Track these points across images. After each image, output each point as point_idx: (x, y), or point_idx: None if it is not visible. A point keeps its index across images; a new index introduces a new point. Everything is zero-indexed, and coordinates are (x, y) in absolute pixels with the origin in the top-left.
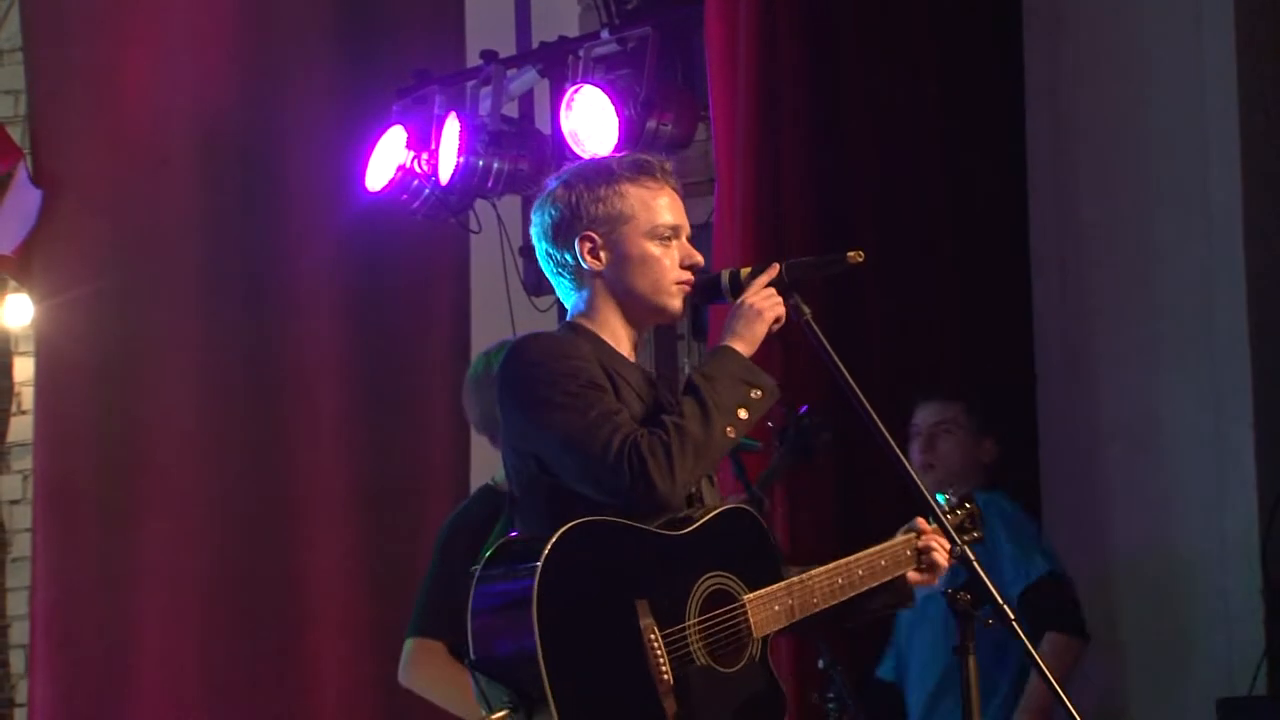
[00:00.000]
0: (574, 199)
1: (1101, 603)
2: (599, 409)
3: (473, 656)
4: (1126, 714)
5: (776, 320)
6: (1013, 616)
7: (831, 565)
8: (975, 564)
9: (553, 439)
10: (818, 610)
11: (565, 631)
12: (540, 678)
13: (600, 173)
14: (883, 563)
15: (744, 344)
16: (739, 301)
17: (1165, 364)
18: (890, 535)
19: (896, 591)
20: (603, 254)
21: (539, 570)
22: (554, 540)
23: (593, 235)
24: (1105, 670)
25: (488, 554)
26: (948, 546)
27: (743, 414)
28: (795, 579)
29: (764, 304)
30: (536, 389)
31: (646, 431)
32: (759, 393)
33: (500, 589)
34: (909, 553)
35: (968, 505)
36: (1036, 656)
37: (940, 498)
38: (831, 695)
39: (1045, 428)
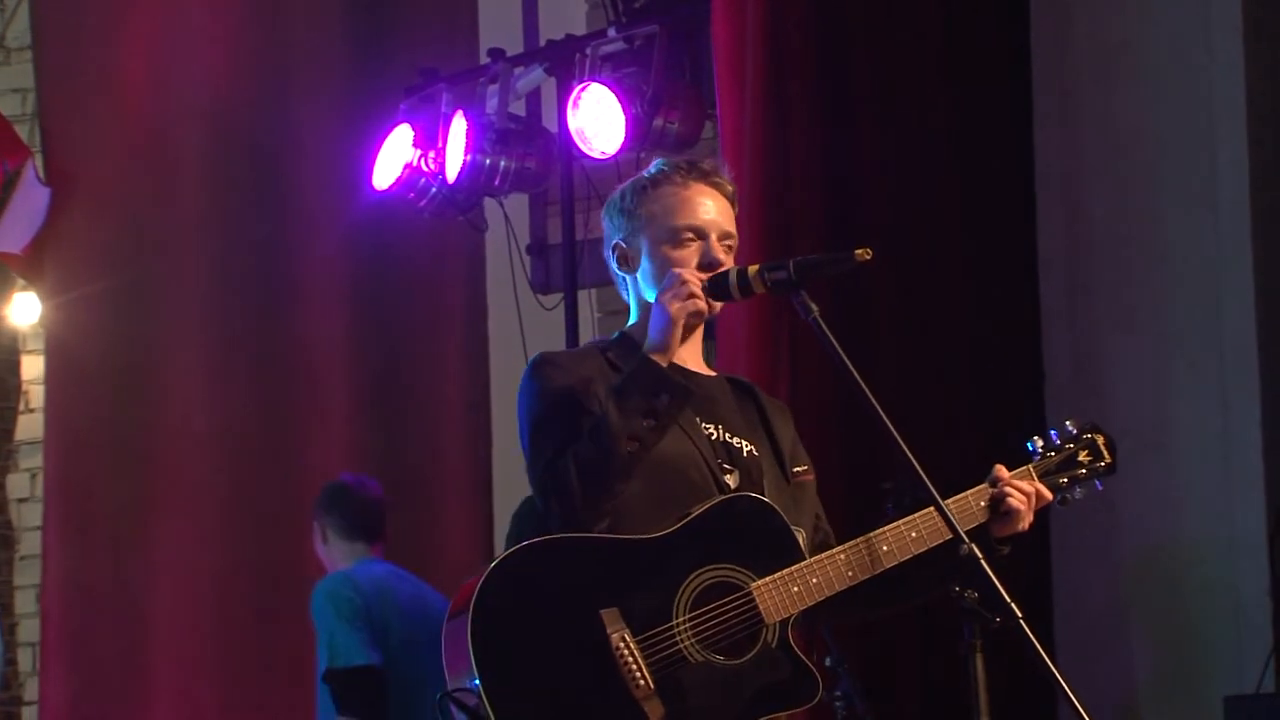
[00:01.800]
0: (611, 211)
1: (1111, 601)
2: (541, 438)
3: (445, 690)
4: (1136, 712)
5: (696, 314)
6: (1020, 615)
7: (875, 533)
8: (982, 561)
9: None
10: (859, 581)
11: (516, 666)
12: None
13: (633, 183)
14: (938, 524)
15: (657, 349)
16: (654, 302)
17: (1174, 363)
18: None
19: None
20: (630, 261)
21: (471, 608)
22: (486, 575)
23: (620, 244)
24: (1115, 668)
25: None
26: (1028, 491)
27: (647, 424)
28: (819, 556)
29: (672, 307)
30: (520, 415)
31: (554, 465)
32: (665, 399)
33: (448, 634)
34: (981, 504)
35: (1086, 435)
36: (1046, 657)
37: (1052, 431)
38: (839, 693)
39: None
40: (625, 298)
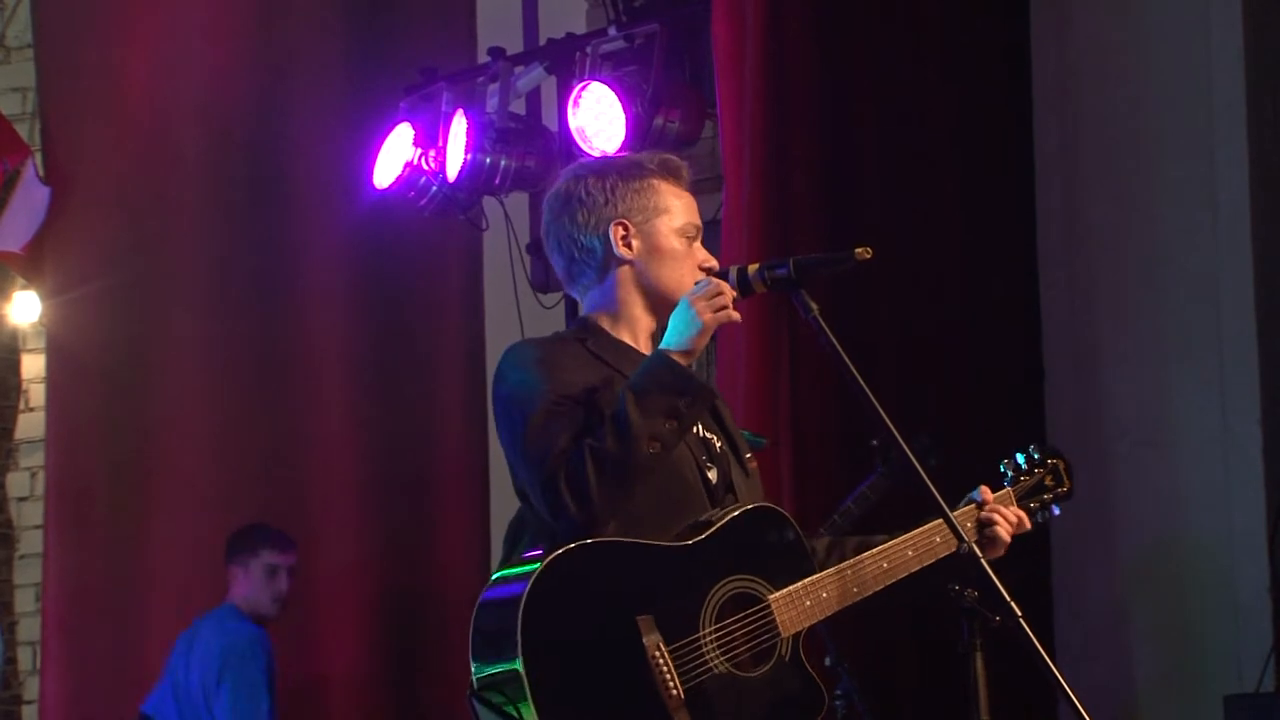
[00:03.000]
0: (609, 186)
1: (1110, 599)
2: (540, 429)
3: (473, 687)
4: (1135, 711)
5: (725, 322)
6: (1019, 614)
7: (876, 550)
8: (983, 561)
9: (514, 462)
10: (859, 599)
11: (558, 664)
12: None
13: (633, 165)
14: (937, 539)
15: (682, 350)
16: (682, 300)
17: (1173, 361)
18: (900, 526)
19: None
20: (634, 243)
21: (522, 606)
22: (538, 572)
23: (626, 223)
24: (1115, 667)
25: (489, 583)
26: (1012, 519)
27: (669, 426)
28: (830, 571)
29: (706, 316)
30: (503, 409)
31: (568, 459)
32: (689, 400)
33: (491, 624)
34: (969, 525)
35: (1050, 461)
36: (1046, 656)
37: (1019, 456)
38: (840, 693)
39: (1053, 425)
40: (593, 279)
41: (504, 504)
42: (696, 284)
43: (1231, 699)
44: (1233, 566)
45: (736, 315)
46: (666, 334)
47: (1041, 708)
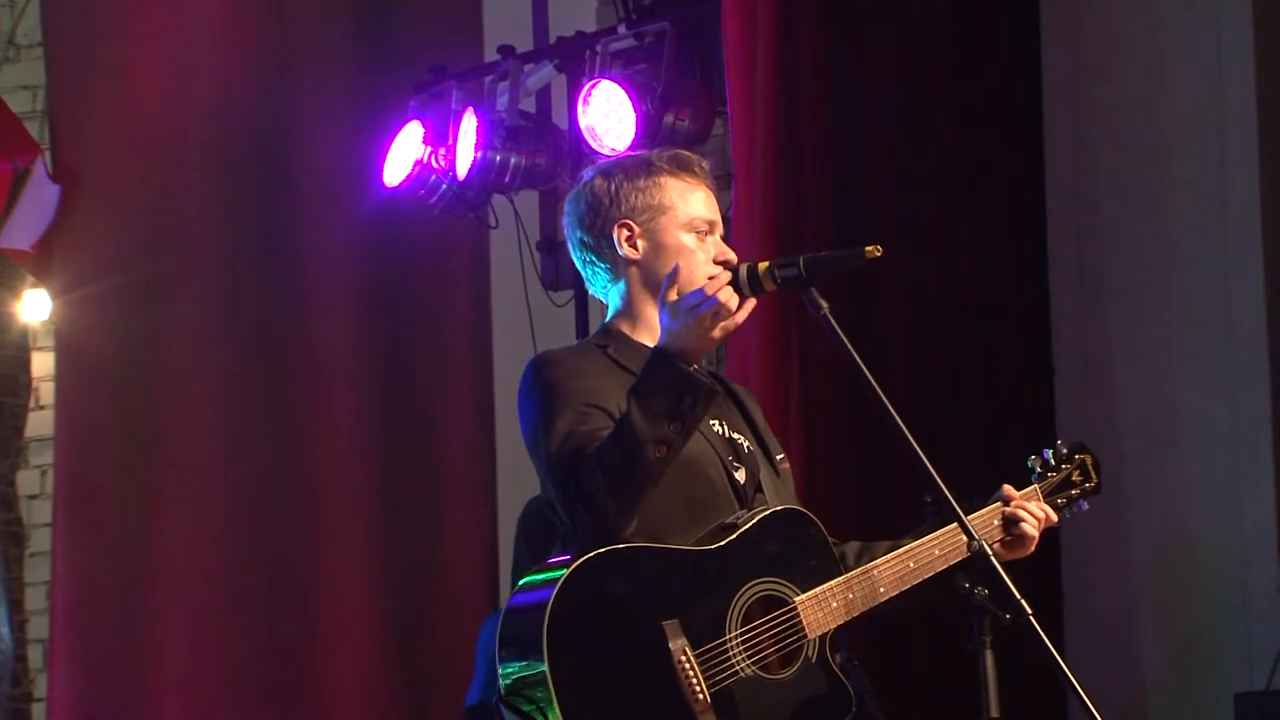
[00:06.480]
0: (613, 188)
1: (1120, 598)
2: (559, 443)
3: (500, 692)
4: (1145, 709)
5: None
6: (1030, 612)
7: (902, 550)
8: (993, 559)
9: (538, 472)
10: (886, 599)
11: (584, 669)
12: None
13: (640, 164)
14: (965, 538)
15: (685, 357)
16: (669, 304)
17: (1183, 360)
18: (904, 523)
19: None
20: (640, 243)
21: (549, 611)
22: (565, 578)
23: (630, 223)
24: (1125, 665)
25: (516, 588)
26: (1039, 515)
27: (674, 428)
28: (856, 571)
29: (715, 332)
30: (528, 419)
31: (579, 470)
32: (690, 400)
33: (518, 629)
34: (996, 523)
35: (1077, 456)
36: (1056, 654)
37: (1047, 452)
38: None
39: (1063, 424)
40: (607, 280)
41: (512, 503)
42: (685, 296)
43: (1242, 697)
44: (1243, 564)
45: (739, 320)
46: (660, 334)
47: (1052, 705)
